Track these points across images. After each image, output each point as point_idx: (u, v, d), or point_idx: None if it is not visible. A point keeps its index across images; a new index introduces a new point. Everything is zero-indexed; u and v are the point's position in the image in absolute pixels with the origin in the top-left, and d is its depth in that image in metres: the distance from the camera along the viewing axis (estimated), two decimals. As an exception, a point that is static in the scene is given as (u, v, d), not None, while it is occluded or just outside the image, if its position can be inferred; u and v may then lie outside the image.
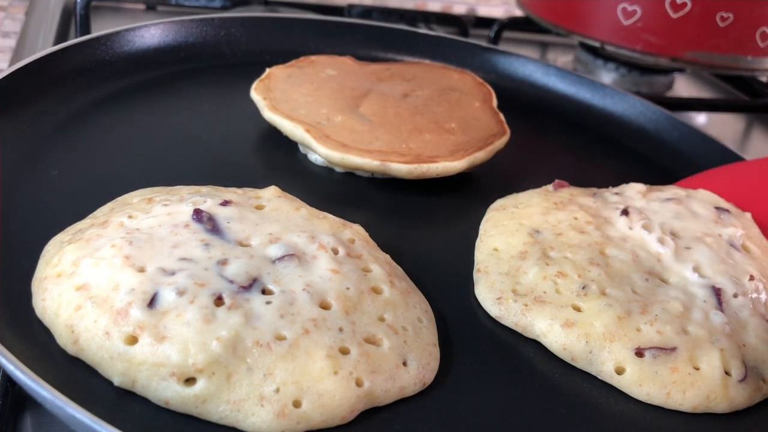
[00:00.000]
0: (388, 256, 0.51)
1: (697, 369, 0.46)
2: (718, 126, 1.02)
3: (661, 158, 0.77)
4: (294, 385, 0.40)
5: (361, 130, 0.63)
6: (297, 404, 0.39)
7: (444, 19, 1.10)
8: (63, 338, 0.41)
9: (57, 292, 0.42)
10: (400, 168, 0.59)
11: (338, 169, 0.63)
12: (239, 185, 0.54)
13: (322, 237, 0.47)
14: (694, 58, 0.90)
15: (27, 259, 0.46)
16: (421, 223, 0.60)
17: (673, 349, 0.47)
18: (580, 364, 0.48)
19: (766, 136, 1.03)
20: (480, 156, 0.63)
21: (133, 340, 0.40)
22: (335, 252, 0.47)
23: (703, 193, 0.60)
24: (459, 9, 1.23)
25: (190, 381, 0.39)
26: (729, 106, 1.02)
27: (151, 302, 0.40)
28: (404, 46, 0.86)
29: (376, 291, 0.46)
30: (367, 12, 1.04)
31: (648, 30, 0.89)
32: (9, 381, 0.43)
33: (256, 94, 0.66)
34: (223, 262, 0.43)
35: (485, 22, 1.12)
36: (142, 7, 1.04)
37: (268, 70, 0.70)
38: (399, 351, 0.44)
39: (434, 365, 0.45)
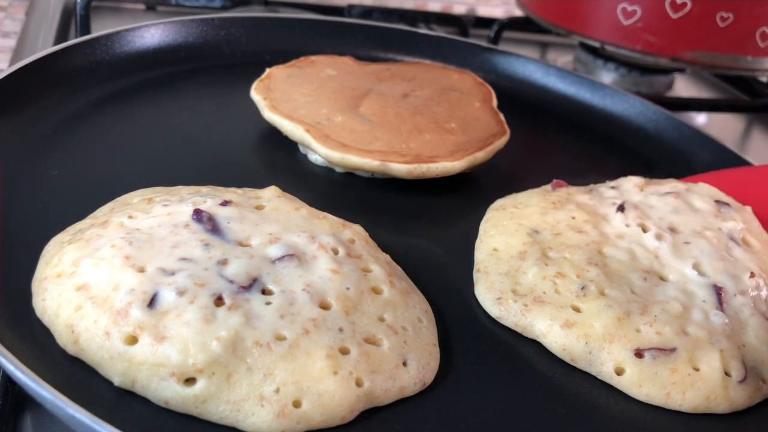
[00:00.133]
0: (388, 256, 0.51)
1: (696, 370, 0.46)
2: (718, 126, 1.02)
3: (661, 158, 0.77)
4: (294, 385, 0.40)
5: (361, 130, 0.63)
6: (297, 404, 0.39)
7: (444, 19, 1.10)
8: (63, 338, 0.41)
9: (57, 292, 0.42)
10: (400, 168, 0.59)
11: (338, 169, 0.63)
12: (239, 185, 0.54)
13: (322, 237, 0.47)
14: (694, 58, 0.90)
15: (27, 259, 0.46)
16: (421, 223, 0.60)
17: (673, 350, 0.47)
18: (580, 365, 0.48)
19: (766, 136, 1.03)
20: (480, 156, 0.63)
21: (133, 340, 0.40)
22: (335, 252, 0.47)
23: (703, 187, 0.60)
24: (459, 9, 1.23)
25: (190, 381, 0.39)
26: (729, 106, 1.02)
27: (151, 302, 0.40)
28: (404, 46, 0.86)
29: (376, 291, 0.46)
30: (367, 12, 1.04)
31: (648, 30, 0.89)
32: (9, 381, 0.43)
33: (256, 94, 0.66)
34: (223, 262, 0.43)
35: (485, 22, 1.12)
36: (142, 7, 1.04)
37: (268, 70, 0.70)
38: (399, 351, 0.44)
39: (434, 365, 0.45)
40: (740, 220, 0.57)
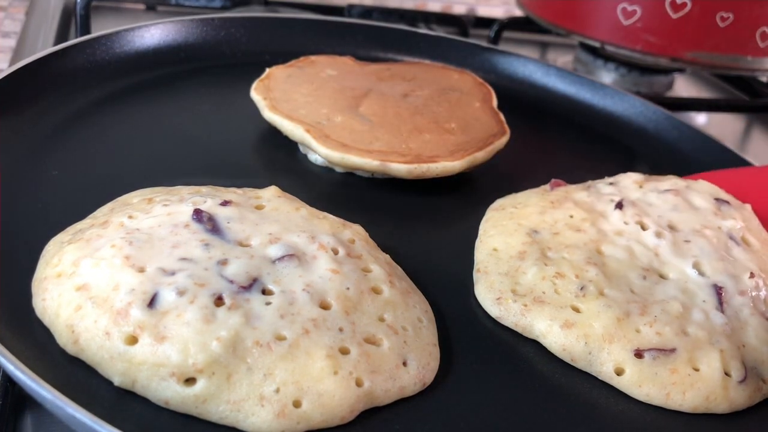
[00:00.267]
0: (388, 256, 0.51)
1: (696, 370, 0.46)
2: (718, 126, 1.02)
3: (661, 158, 0.77)
4: (294, 385, 0.40)
5: (361, 130, 0.63)
6: (297, 404, 0.39)
7: (444, 19, 1.10)
8: (63, 338, 0.41)
9: (57, 292, 0.42)
10: (400, 168, 0.59)
11: (338, 169, 0.63)
12: (239, 185, 0.54)
13: (322, 237, 0.47)
14: (694, 58, 0.90)
15: (27, 259, 0.46)
16: (421, 223, 0.60)
17: (673, 350, 0.47)
18: (580, 365, 0.48)
19: (766, 136, 1.03)
20: (480, 156, 0.63)
21: (133, 340, 0.40)
22: (335, 252, 0.47)
23: (703, 184, 0.60)
24: (459, 9, 1.23)
25: (190, 381, 0.39)
26: (729, 106, 1.02)
27: (151, 302, 0.40)
28: (404, 46, 0.86)
29: (376, 291, 0.46)
30: (367, 12, 1.04)
31: (648, 30, 0.89)
32: (9, 381, 0.43)
33: (256, 94, 0.66)
34: (223, 262, 0.43)
35: (485, 22, 1.12)
36: (142, 7, 1.04)
37: (268, 70, 0.70)
38: (399, 351, 0.44)
39: (434, 365, 0.45)
40: (740, 218, 0.57)
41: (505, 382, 0.46)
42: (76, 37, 0.79)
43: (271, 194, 0.51)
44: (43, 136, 0.60)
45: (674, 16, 0.88)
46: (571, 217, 0.56)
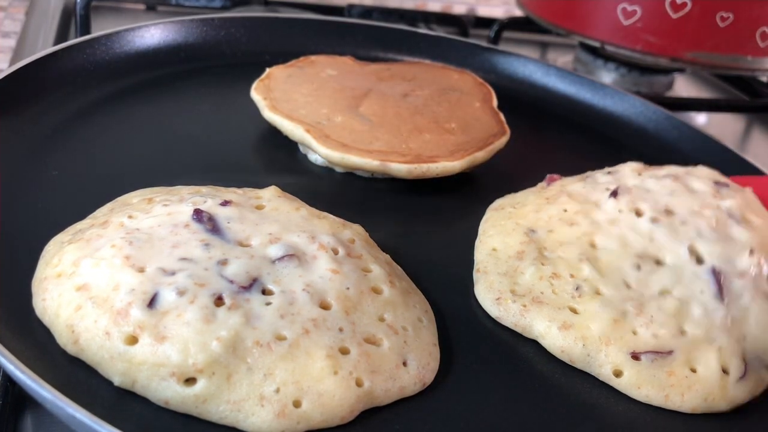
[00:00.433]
0: (388, 256, 0.51)
1: (694, 371, 0.46)
2: (718, 126, 1.02)
3: (661, 158, 0.76)
4: (294, 385, 0.40)
5: (361, 130, 0.63)
6: (297, 404, 0.39)
7: (444, 19, 1.10)
8: (63, 338, 0.41)
9: (57, 292, 0.42)
10: (400, 168, 0.59)
11: (338, 169, 0.63)
12: (239, 185, 0.54)
13: (322, 237, 0.47)
14: (694, 58, 0.90)
15: (27, 259, 0.46)
16: (421, 223, 0.60)
17: (670, 352, 0.47)
18: (579, 366, 0.48)
19: (766, 136, 1.03)
20: (480, 156, 0.63)
21: (133, 340, 0.40)
22: (335, 252, 0.47)
23: (702, 169, 0.58)
24: (459, 9, 1.23)
25: (190, 381, 0.39)
26: (729, 106, 1.02)
27: (151, 302, 0.40)
28: (404, 46, 0.86)
29: (376, 291, 0.46)
30: (367, 12, 1.04)
31: (648, 30, 0.89)
32: (9, 381, 0.43)
33: (256, 94, 0.66)
34: (223, 262, 0.43)
35: (485, 22, 1.12)
36: (142, 7, 1.04)
37: (268, 70, 0.70)
38: (399, 351, 0.44)
39: (434, 365, 0.45)
40: (740, 198, 0.55)
41: (505, 382, 0.46)
42: (76, 37, 0.79)
43: (271, 194, 0.51)
44: (43, 136, 0.60)
45: (674, 16, 0.88)
46: (565, 211, 0.55)
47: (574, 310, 0.49)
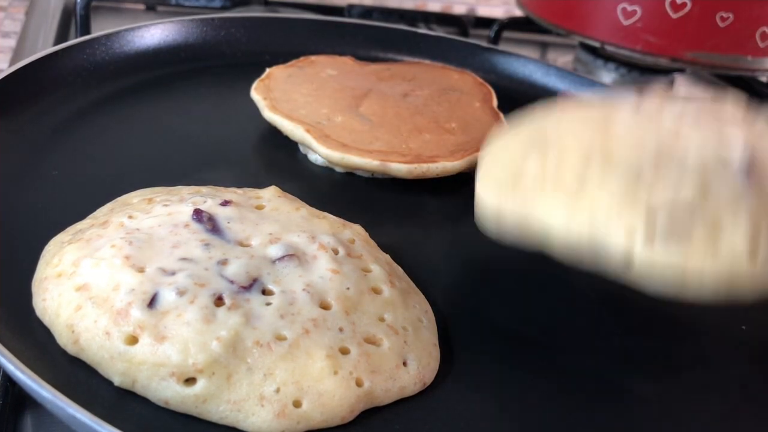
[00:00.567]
0: (388, 256, 0.51)
1: (716, 249, 0.41)
2: (718, 126, 1.02)
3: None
4: (294, 385, 0.40)
5: (361, 130, 0.63)
6: (297, 404, 0.39)
7: (444, 19, 1.10)
8: (63, 338, 0.41)
9: (57, 292, 0.42)
10: (400, 168, 0.59)
11: (338, 169, 0.63)
12: (239, 185, 0.54)
13: (322, 237, 0.47)
14: (694, 58, 0.90)
15: (27, 259, 0.46)
16: (421, 223, 0.60)
17: (688, 228, 0.41)
18: (587, 259, 0.43)
19: (766, 136, 1.03)
20: (480, 156, 0.63)
21: (133, 340, 0.40)
22: (335, 252, 0.47)
23: (732, 99, 0.53)
24: (459, 9, 1.23)
25: (190, 381, 0.39)
26: (729, 106, 1.02)
27: (151, 302, 0.40)
28: (404, 46, 0.86)
29: (376, 291, 0.46)
30: (367, 12, 1.04)
31: (648, 30, 0.89)
32: (9, 381, 0.43)
33: (256, 94, 0.66)
34: (223, 262, 0.43)
35: (485, 22, 1.12)
36: (142, 7, 1.04)
37: (268, 70, 0.70)
38: (399, 351, 0.44)
39: (434, 365, 0.45)
40: None
41: (505, 382, 0.46)
42: (76, 37, 0.79)
43: (271, 194, 0.51)
44: (43, 136, 0.60)
45: (674, 16, 0.88)
46: (580, 110, 0.50)
47: (579, 194, 0.44)
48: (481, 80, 0.75)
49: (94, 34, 0.71)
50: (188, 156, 0.62)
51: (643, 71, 1.00)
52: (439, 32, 0.92)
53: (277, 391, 0.39)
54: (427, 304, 0.49)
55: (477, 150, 0.63)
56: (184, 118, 0.67)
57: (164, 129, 0.65)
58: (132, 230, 0.45)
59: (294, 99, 0.66)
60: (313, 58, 0.74)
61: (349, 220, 0.52)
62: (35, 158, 0.57)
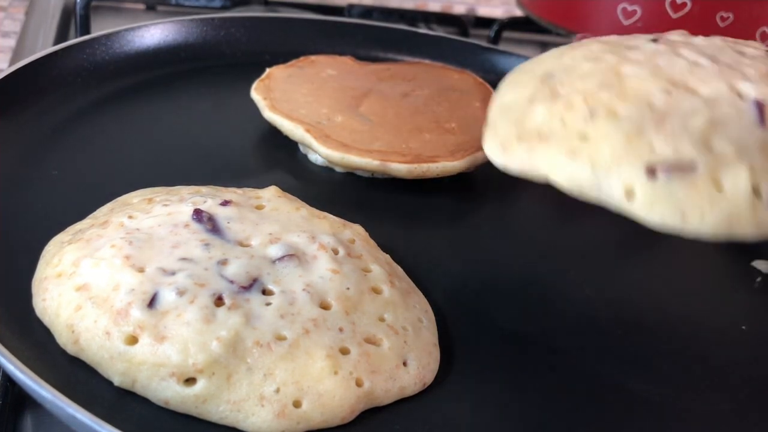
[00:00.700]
0: (388, 256, 0.51)
1: (719, 190, 0.40)
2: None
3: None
4: (294, 385, 0.40)
5: (361, 130, 0.63)
6: (297, 404, 0.39)
7: (444, 19, 1.10)
8: (63, 338, 0.41)
9: (57, 292, 0.42)
10: (400, 168, 0.59)
11: (338, 169, 0.63)
12: (239, 185, 0.54)
13: (322, 237, 0.47)
14: (694, 58, 0.90)
15: (27, 259, 0.46)
16: (421, 223, 0.60)
17: (692, 167, 0.40)
18: (589, 196, 0.42)
19: (766, 136, 1.03)
20: (480, 156, 0.62)
21: (133, 340, 0.40)
22: (335, 252, 0.47)
23: (754, 42, 0.51)
24: (459, 9, 1.23)
25: (190, 381, 0.39)
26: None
27: (151, 302, 0.40)
28: (404, 46, 0.86)
29: (376, 291, 0.46)
30: (367, 12, 1.04)
31: (648, 30, 0.89)
32: (9, 381, 0.43)
33: (256, 94, 0.66)
34: (223, 262, 0.43)
35: (485, 22, 1.12)
36: (142, 7, 1.04)
37: (268, 70, 0.70)
38: (399, 351, 0.44)
39: (434, 365, 0.45)
40: None
41: (505, 382, 0.46)
42: (76, 37, 0.79)
43: (271, 194, 0.51)
44: (43, 136, 0.60)
45: (674, 16, 0.88)
46: (592, 50, 0.48)
47: (584, 136, 0.43)
48: (481, 80, 0.75)
49: (94, 34, 0.71)
50: (188, 156, 0.62)
51: (643, 71, 1.00)
52: (439, 32, 0.92)
53: (277, 391, 0.39)
54: (427, 304, 0.49)
55: (477, 150, 0.63)
56: (184, 118, 0.67)
57: (164, 129, 0.65)
58: (132, 230, 0.45)
59: (294, 99, 0.66)
60: (313, 58, 0.74)
61: (349, 220, 0.52)
62: (35, 158, 0.57)
